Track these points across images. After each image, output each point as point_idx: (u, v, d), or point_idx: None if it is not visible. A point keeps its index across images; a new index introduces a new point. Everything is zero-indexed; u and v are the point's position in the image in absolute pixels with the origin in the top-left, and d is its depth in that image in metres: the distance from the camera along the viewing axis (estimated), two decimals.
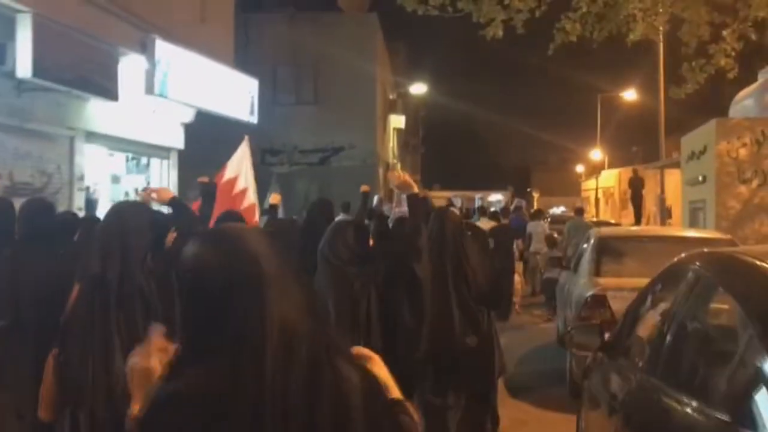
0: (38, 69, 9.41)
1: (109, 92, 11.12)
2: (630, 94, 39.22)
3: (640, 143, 52.22)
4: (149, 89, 11.83)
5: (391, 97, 25.36)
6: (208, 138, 16.72)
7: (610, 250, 6.61)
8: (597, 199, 43.74)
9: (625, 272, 6.33)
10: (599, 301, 5.82)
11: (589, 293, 5.93)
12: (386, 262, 3.68)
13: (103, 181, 14.28)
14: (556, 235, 14.70)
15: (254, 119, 15.13)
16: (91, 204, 12.96)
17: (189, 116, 14.52)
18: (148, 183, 14.98)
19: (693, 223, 12.70)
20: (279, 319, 1.41)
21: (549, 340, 9.65)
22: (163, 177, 14.88)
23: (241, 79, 14.94)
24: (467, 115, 61.73)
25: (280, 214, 8.45)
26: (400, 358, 3.35)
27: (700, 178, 12.17)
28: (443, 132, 59.21)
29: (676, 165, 19.33)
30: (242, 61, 16.49)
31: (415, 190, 3.80)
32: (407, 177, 3.84)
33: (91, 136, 11.97)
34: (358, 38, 19.47)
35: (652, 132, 46.38)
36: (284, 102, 19.24)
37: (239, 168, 7.12)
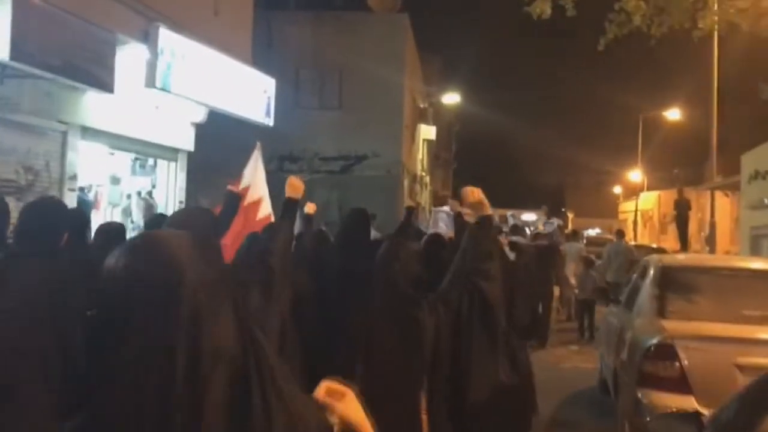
0: (17, 52, 8.36)
1: (104, 83, 10.05)
2: (674, 114, 37.69)
3: (681, 165, 50.71)
4: (150, 82, 10.76)
5: (421, 105, 24.08)
6: (220, 140, 15.79)
7: (677, 284, 5.21)
8: (635, 222, 42.26)
9: (697, 314, 4.95)
10: (665, 351, 4.46)
11: (653, 341, 4.56)
12: (454, 288, 3.23)
13: (102, 182, 13.31)
14: (593, 257, 13.49)
15: (270, 121, 14.02)
16: (85, 206, 11.93)
17: (200, 116, 13.48)
18: (153, 186, 13.98)
19: (755, 251, 11.23)
20: (196, 337, 1.30)
21: (588, 384, 8.28)
22: (170, 180, 13.85)
23: (257, 77, 13.85)
24: (502, 132, 60.88)
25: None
26: (469, 396, 3.08)
27: (767, 201, 10.67)
28: (477, 147, 58.40)
29: (731, 187, 17.83)
30: (264, 62, 15.51)
31: (489, 211, 3.43)
32: (481, 195, 3.43)
33: (88, 132, 10.96)
34: (387, 40, 18.32)
35: (695, 153, 44.84)
36: (306, 106, 18.20)
37: (251, 177, 6.64)
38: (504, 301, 3.66)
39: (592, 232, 42.34)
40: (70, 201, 10.67)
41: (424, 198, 26.95)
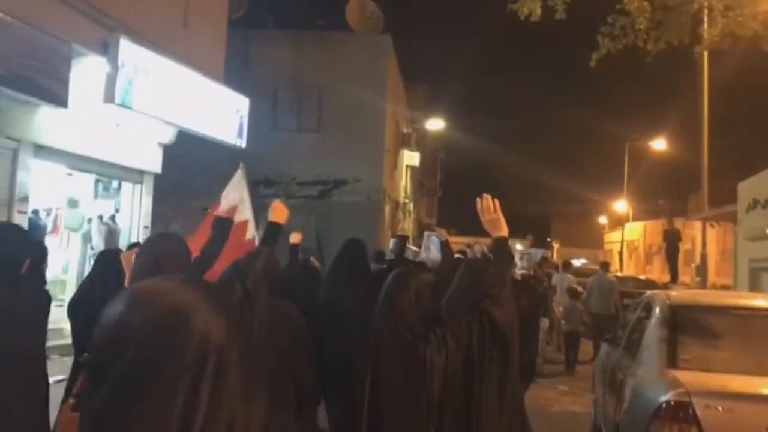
0: None
1: (57, 97, 9.30)
2: (659, 144, 37.53)
3: (666, 196, 50.70)
4: (109, 97, 10.01)
5: (405, 130, 23.41)
6: (190, 163, 15.06)
7: (690, 327, 4.39)
8: (621, 253, 41.85)
9: (718, 365, 4.15)
10: (681, 411, 3.68)
11: (665, 397, 3.77)
12: (463, 317, 2.94)
13: (60, 205, 12.47)
14: (579, 289, 13.16)
15: (242, 143, 13.27)
16: (39, 231, 11.10)
17: (168, 136, 12.72)
18: (117, 210, 13.15)
19: (754, 286, 10.53)
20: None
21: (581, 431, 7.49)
22: (135, 204, 13.03)
23: (229, 96, 13.11)
24: (488, 161, 60.78)
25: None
26: None
27: None
28: (462, 176, 58.19)
29: (723, 217, 17.32)
30: (240, 81, 14.85)
31: (505, 232, 3.15)
32: (499, 211, 3.15)
33: (42, 150, 10.17)
34: (369, 61, 17.68)
35: (680, 185, 44.64)
36: (284, 128, 17.46)
37: (237, 197, 6.09)
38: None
39: (578, 262, 41.85)
40: (21, 224, 9.84)
41: (407, 226, 26.21)
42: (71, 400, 2.64)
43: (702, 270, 17.25)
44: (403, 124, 23.50)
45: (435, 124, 26.45)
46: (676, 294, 5.11)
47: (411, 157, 24.75)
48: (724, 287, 19.45)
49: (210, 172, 16.05)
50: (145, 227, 13.13)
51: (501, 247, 3.10)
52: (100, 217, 12.79)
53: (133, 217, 13.04)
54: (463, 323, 2.87)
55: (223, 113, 12.89)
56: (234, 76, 14.82)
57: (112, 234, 12.72)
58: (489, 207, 3.09)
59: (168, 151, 13.13)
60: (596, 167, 64.33)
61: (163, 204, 14.02)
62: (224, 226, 4.32)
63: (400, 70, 22.19)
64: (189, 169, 15.20)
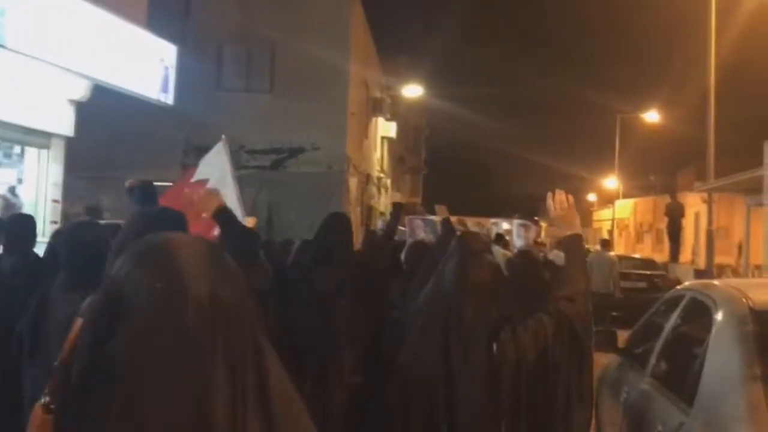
0: None
1: None
2: (652, 116, 36.01)
3: (656, 172, 49.39)
4: None
5: (377, 95, 21.21)
6: (115, 126, 13.10)
7: None
8: (611, 231, 40.52)
9: None
10: None
11: None
12: (537, 313, 2.83)
13: None
14: None
15: (167, 98, 11.20)
16: None
17: (80, 91, 10.62)
18: (20, 181, 11.07)
19: None
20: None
21: None
22: (41, 174, 10.97)
23: (150, 41, 10.96)
24: (472, 138, 59.64)
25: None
26: None
27: None
28: (447, 155, 56.81)
29: (733, 188, 15.57)
30: (180, 35, 12.84)
31: (580, 229, 3.01)
32: (573, 207, 3.03)
33: None
34: (330, 10, 15.68)
35: (670, 160, 43.00)
36: (230, 88, 15.54)
37: (212, 170, 5.85)
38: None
39: None
40: None
41: (383, 203, 24.19)
42: (44, 400, 2.06)
43: (708, 249, 15.50)
44: (376, 89, 21.36)
45: (412, 91, 24.29)
46: (753, 289, 2.89)
47: (386, 127, 22.70)
48: (720, 266, 17.88)
49: (141, 138, 14.09)
50: (54, 201, 11.11)
51: (575, 246, 2.96)
52: None
53: (39, 188, 11.00)
54: (538, 321, 2.75)
55: (143, 62, 10.79)
56: (172, 30, 12.80)
57: (10, 208, 10.63)
58: (562, 201, 2.95)
59: (83, 110, 11.10)
60: (585, 142, 63.11)
61: (79, 175, 12.03)
62: (147, 192, 4.19)
63: (372, 34, 20.24)
64: (112, 133, 13.20)
